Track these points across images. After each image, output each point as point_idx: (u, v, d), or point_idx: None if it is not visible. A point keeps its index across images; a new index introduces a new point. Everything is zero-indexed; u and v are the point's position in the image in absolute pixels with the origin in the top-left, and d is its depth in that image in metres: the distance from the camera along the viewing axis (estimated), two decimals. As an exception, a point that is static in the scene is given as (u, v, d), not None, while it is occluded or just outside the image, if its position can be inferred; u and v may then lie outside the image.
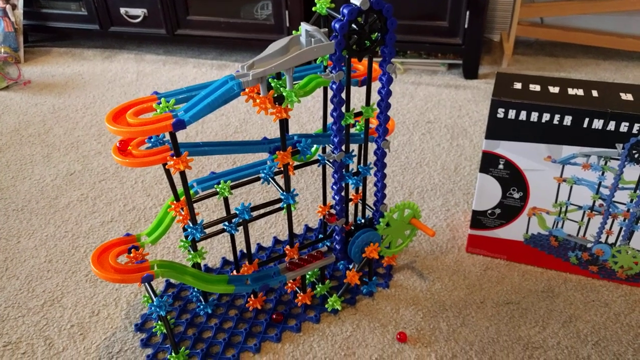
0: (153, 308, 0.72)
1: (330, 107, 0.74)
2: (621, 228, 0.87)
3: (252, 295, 0.87)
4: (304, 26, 0.67)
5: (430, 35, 1.73)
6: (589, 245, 0.91)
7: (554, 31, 1.91)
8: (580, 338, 0.82)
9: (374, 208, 0.87)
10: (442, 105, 1.59)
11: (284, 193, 0.78)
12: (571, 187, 0.86)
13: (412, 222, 0.90)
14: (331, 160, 0.79)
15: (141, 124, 0.62)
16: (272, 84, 0.67)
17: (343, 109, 0.73)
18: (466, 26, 1.66)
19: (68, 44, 2.23)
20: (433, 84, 1.75)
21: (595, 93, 0.82)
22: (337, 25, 0.65)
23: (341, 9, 0.65)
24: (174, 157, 0.66)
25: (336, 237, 0.85)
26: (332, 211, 0.84)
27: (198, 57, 2.05)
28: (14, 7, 2.04)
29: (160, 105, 0.64)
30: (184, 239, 0.77)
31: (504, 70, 1.84)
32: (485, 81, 1.76)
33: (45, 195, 1.22)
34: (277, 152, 0.74)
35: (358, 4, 0.64)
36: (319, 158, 0.89)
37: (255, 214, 0.80)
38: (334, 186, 0.80)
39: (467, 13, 1.63)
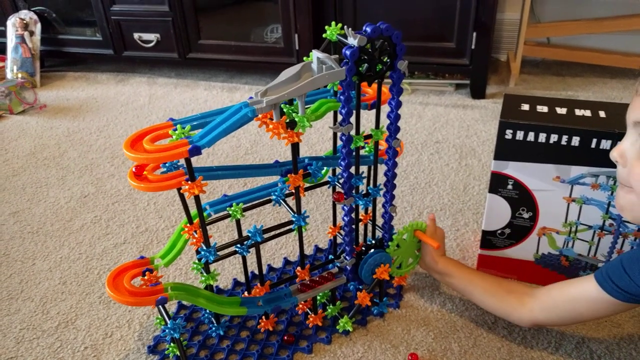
0: (167, 330, 0.73)
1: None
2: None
3: (263, 317, 0.88)
4: (315, 53, 0.69)
5: (438, 56, 1.76)
6: (599, 265, 0.91)
7: (560, 51, 1.92)
8: (593, 359, 0.81)
9: (383, 229, 0.88)
10: (450, 125, 1.61)
11: (295, 215, 0.79)
12: (581, 207, 0.87)
13: (416, 234, 0.90)
14: (339, 134, 0.74)
15: (158, 150, 0.63)
16: (284, 110, 0.69)
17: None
18: (473, 47, 1.68)
19: (82, 69, 2.28)
20: (441, 104, 1.76)
21: (602, 114, 0.83)
22: (347, 52, 0.67)
23: None
24: (189, 182, 0.68)
25: (346, 257, 0.86)
26: (340, 190, 0.81)
27: (209, 79, 2.09)
28: (31, 33, 2.10)
29: (176, 132, 0.66)
30: (197, 261, 0.78)
31: (511, 89, 1.85)
32: (493, 101, 1.77)
33: (60, 218, 1.24)
34: (288, 175, 0.76)
35: (355, 44, 0.66)
36: (329, 180, 0.90)
37: (266, 235, 0.81)
38: (344, 187, 0.79)
39: (474, 34, 1.66)
